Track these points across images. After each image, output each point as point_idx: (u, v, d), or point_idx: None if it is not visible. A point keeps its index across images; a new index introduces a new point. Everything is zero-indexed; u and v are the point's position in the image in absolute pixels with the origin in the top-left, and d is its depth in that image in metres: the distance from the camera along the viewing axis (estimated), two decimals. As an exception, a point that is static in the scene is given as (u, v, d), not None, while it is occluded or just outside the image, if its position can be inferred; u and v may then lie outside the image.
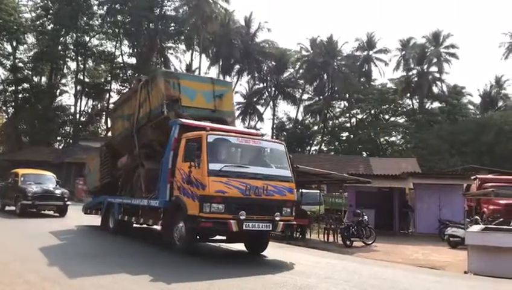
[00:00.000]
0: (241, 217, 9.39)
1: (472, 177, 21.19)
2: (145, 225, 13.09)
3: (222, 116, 12.16)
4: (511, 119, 43.92)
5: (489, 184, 19.12)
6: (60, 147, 48.83)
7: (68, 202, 19.44)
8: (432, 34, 54.54)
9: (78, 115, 50.82)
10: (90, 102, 53.65)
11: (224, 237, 10.96)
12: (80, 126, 51.23)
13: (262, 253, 11.18)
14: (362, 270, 9.88)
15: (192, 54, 52.49)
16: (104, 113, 53.11)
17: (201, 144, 9.70)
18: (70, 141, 48.88)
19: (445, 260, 12.92)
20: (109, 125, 52.94)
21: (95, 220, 15.74)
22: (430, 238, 17.58)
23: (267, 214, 9.82)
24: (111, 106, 52.90)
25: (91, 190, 16.96)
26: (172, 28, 51.45)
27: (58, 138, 52.47)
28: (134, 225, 13.54)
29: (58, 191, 19.39)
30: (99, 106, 54.38)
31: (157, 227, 12.43)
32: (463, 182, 20.59)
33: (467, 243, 11.24)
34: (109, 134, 50.94)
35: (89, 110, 53.67)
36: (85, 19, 48.70)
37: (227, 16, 52.44)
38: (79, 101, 50.48)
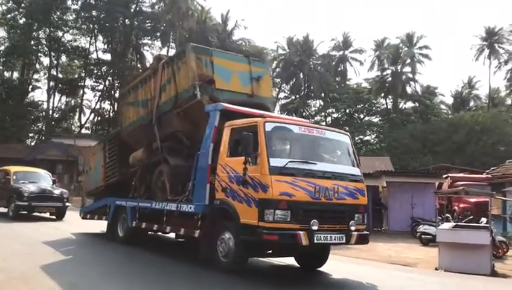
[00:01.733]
0: (314, 228, 7.55)
1: (444, 176, 21.67)
2: (159, 233, 11.50)
3: (262, 102, 10.22)
4: (481, 119, 45.01)
5: (460, 183, 19.57)
6: (32, 144, 47.88)
7: (68, 203, 17.37)
8: (405, 35, 55.52)
9: (51, 112, 49.81)
10: (64, 98, 52.83)
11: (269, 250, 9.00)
12: (53, 123, 50.30)
13: (320, 269, 9.34)
14: (335, 268, 10.00)
15: (168, 51, 52.04)
16: (77, 109, 52.31)
17: (257, 134, 7.79)
18: (43, 137, 47.98)
19: (417, 256, 13.19)
20: (75, 120, 52.38)
21: (96, 225, 13.70)
22: (403, 235, 17.92)
23: (339, 223, 8.06)
24: (85, 102, 52.55)
25: (93, 190, 14.30)
26: (148, 24, 50.97)
27: (30, 135, 51.45)
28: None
29: (57, 191, 17.30)
30: (72, 102, 53.57)
31: (170, 235, 11.25)
32: (435, 180, 21.06)
33: (438, 240, 11.50)
34: (83, 131, 50.53)
35: (62, 107, 52.82)
36: (58, 13, 47.63)
37: (204, 13, 52.27)
38: (52, 97, 49.54)
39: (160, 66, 10.77)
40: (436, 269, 11.15)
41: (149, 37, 52.23)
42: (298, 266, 9.56)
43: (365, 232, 8.59)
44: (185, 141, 10.20)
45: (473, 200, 18.99)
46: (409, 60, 54.75)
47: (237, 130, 8.32)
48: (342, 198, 8.07)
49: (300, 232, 7.40)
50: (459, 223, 13.53)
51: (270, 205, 7.38)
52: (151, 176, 10.91)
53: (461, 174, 24.15)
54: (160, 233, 11.42)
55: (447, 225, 12.71)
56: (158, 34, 51.20)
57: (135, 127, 11.76)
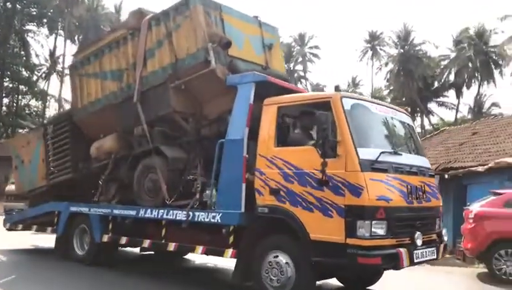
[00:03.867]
0: (418, 242, 5.78)
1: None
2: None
3: (282, 76, 8.20)
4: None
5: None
6: None
7: None
8: (298, 34, 58.10)
9: None
10: None
11: None
12: None
13: (371, 287, 7.36)
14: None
15: (56, 39, 49.17)
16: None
17: (333, 115, 5.67)
18: None
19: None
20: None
21: (27, 239, 11.02)
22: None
23: (428, 232, 6.24)
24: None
25: (28, 192, 10.85)
26: (34, 9, 47.44)
27: None
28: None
29: None
30: None
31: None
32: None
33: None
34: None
35: None
36: None
37: (95, 1, 50.10)
38: None
39: (145, 24, 8.02)
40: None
41: (34, 23, 48.64)
42: (340, 284, 7.59)
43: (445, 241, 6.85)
44: (183, 125, 7.72)
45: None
46: (300, 59, 57.37)
47: (289, 109, 6.38)
48: (429, 200, 6.32)
49: (402, 251, 5.53)
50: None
51: (365, 215, 5.35)
52: (130, 174, 8.25)
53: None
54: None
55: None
56: (45, 20, 47.89)
57: (101, 107, 8.81)
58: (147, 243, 7.76)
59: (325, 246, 5.48)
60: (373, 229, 5.34)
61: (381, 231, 5.42)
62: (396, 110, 7.00)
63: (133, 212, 7.85)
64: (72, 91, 9.74)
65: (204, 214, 6.66)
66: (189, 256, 10.09)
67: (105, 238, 8.33)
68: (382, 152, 5.72)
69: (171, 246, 7.29)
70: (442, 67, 48.84)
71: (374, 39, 56.30)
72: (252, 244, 6.22)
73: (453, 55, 47.93)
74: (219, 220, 6.45)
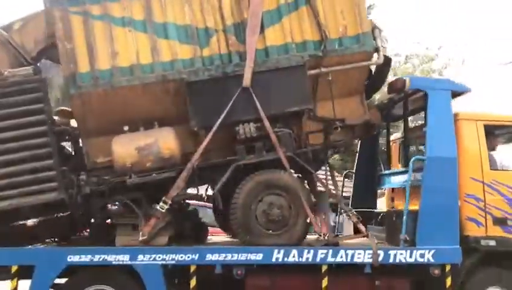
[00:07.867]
0: None
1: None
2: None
3: None
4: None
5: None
6: None
7: None
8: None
9: None
10: None
11: None
12: None
13: None
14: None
15: None
16: None
17: None
18: None
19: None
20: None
21: None
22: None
23: None
24: None
25: None
26: None
27: None
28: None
29: None
30: None
31: None
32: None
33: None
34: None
35: None
36: None
37: None
38: None
39: None
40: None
41: None
42: None
43: None
44: (299, 129, 5.64)
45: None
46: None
47: (496, 129, 5.83)
48: None
49: None
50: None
51: None
52: (227, 195, 5.38)
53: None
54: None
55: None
56: None
57: (148, 81, 5.24)
58: None
59: None
60: None
61: None
62: None
63: (258, 257, 5.08)
64: (62, 40, 5.26)
65: (405, 252, 5.13)
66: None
67: None
68: None
69: None
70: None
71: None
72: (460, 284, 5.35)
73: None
74: (431, 260, 5.15)
